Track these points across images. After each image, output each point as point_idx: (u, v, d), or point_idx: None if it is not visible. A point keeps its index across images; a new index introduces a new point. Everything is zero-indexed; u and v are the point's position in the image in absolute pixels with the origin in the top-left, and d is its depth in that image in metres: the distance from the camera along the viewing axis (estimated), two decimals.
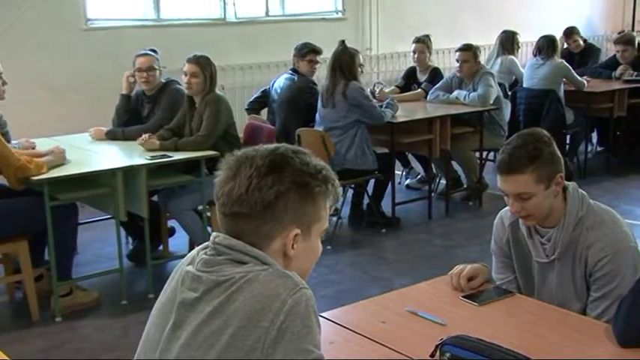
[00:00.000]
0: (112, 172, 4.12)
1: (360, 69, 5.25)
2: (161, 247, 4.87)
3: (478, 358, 1.75)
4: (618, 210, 2.43)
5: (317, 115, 5.32)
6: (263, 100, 5.92)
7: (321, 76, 5.44)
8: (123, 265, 4.31)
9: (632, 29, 9.98)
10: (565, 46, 7.78)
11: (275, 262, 1.50)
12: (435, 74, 6.34)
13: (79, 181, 4.08)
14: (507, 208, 2.35)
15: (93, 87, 6.25)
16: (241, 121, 5.61)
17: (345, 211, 5.57)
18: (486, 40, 7.72)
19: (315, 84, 5.62)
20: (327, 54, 5.35)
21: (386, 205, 5.58)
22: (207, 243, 1.58)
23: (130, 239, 5.02)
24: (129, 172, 4.15)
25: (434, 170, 6.20)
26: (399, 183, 6.39)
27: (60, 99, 6.21)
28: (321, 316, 2.14)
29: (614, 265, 2.20)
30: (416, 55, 6.35)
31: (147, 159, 4.26)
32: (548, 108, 6.28)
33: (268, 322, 1.40)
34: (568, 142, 6.75)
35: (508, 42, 7.03)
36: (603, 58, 8.00)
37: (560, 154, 2.27)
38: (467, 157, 6.04)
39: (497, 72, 6.68)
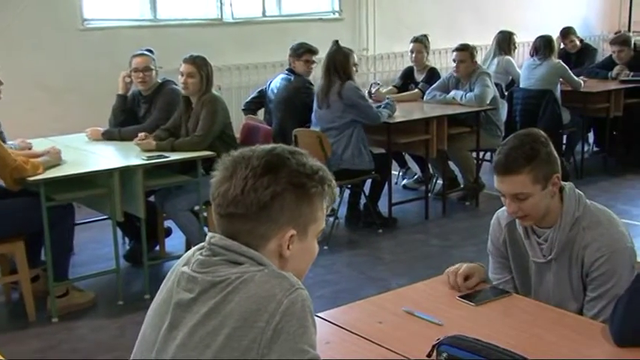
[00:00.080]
0: (108, 173, 4.12)
1: (354, 68, 5.25)
2: (158, 248, 4.87)
3: (475, 358, 1.75)
4: (615, 210, 2.43)
5: (313, 116, 5.32)
6: (260, 101, 5.92)
7: (317, 76, 5.43)
8: (119, 266, 4.30)
9: (629, 29, 9.99)
10: (562, 46, 7.79)
11: (271, 263, 1.50)
12: (432, 74, 6.35)
13: (75, 182, 4.07)
14: (504, 208, 2.35)
15: (89, 87, 6.24)
16: (238, 121, 5.60)
17: (342, 212, 5.57)
18: (483, 41, 7.73)
19: (311, 84, 5.62)
20: (324, 54, 5.34)
21: (383, 206, 5.58)
22: (202, 243, 1.58)
23: (127, 240, 5.02)
24: (125, 172, 4.15)
25: (431, 170, 6.20)
26: (396, 183, 6.39)
27: (56, 99, 6.20)
28: (318, 316, 2.14)
29: (611, 265, 2.20)
30: (413, 55, 6.35)
31: (143, 159, 4.26)
32: (544, 108, 6.29)
33: (264, 323, 1.40)
34: (565, 142, 6.76)
35: (505, 42, 7.03)
36: (600, 58, 8.01)
37: (556, 155, 2.28)
38: (464, 157, 6.04)
39: (494, 72, 6.68)
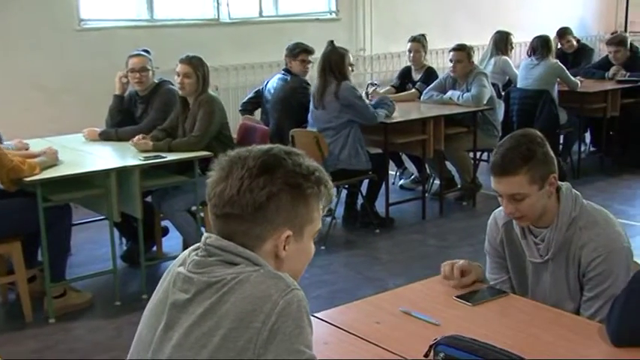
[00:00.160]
0: (105, 173, 4.11)
1: (350, 68, 5.25)
2: (155, 248, 4.86)
3: (472, 358, 1.75)
4: (611, 210, 2.43)
5: (309, 116, 5.32)
6: (257, 101, 5.91)
7: (314, 76, 5.43)
8: (116, 266, 4.30)
9: (625, 30, 10.01)
10: (558, 46, 7.79)
11: (267, 264, 1.50)
12: (430, 74, 6.35)
13: (72, 182, 4.07)
14: (501, 208, 2.35)
15: (86, 87, 6.23)
16: (235, 121, 5.61)
17: (339, 212, 5.57)
18: (480, 41, 7.73)
19: (308, 84, 5.61)
20: (321, 54, 5.34)
21: (380, 206, 5.58)
22: (198, 244, 1.58)
23: (124, 240, 5.01)
24: (122, 172, 4.14)
25: (428, 170, 6.20)
26: (393, 183, 6.40)
27: (53, 99, 6.19)
28: (315, 316, 2.15)
29: (607, 265, 2.20)
30: (411, 54, 6.35)
31: (140, 160, 4.25)
32: (541, 108, 6.30)
33: (260, 323, 1.40)
34: (561, 142, 6.77)
35: (502, 42, 7.04)
36: (596, 58, 8.02)
37: (553, 155, 2.28)
38: (461, 157, 6.05)
39: (491, 72, 6.69)
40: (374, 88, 6.22)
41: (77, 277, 4.32)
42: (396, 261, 4.93)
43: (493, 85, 6.26)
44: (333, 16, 8.04)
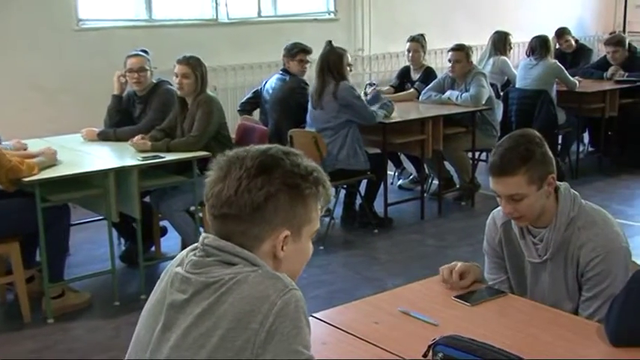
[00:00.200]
0: (104, 173, 4.11)
1: (348, 68, 5.25)
2: (153, 248, 4.86)
3: (470, 358, 1.75)
4: (610, 210, 2.44)
5: (308, 117, 5.32)
6: (255, 101, 5.91)
7: (312, 76, 5.43)
8: (115, 267, 4.29)
9: (623, 30, 10.01)
10: (557, 46, 7.80)
11: (265, 264, 1.49)
12: (428, 74, 6.35)
13: (70, 182, 4.07)
14: (500, 208, 2.35)
15: (84, 87, 6.23)
16: (233, 121, 5.60)
17: (338, 212, 5.57)
18: (478, 41, 7.73)
19: (306, 84, 5.61)
20: (319, 55, 5.34)
21: (378, 206, 5.58)
22: (196, 244, 1.58)
23: (122, 240, 5.01)
24: (121, 172, 4.14)
25: (426, 170, 6.20)
26: (392, 183, 6.40)
27: (51, 100, 6.19)
28: (314, 316, 2.15)
29: (606, 265, 2.20)
30: (410, 54, 6.35)
31: (139, 160, 4.25)
32: (540, 108, 6.30)
33: (258, 324, 1.40)
34: (560, 142, 6.77)
35: (500, 42, 7.04)
36: (595, 58, 8.02)
37: (551, 155, 2.28)
38: (459, 157, 6.05)
39: (490, 72, 6.69)
40: (372, 88, 6.22)
41: (76, 278, 4.32)
42: (394, 261, 4.93)
43: (492, 85, 6.26)
44: (332, 16, 8.04)
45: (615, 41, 7.19)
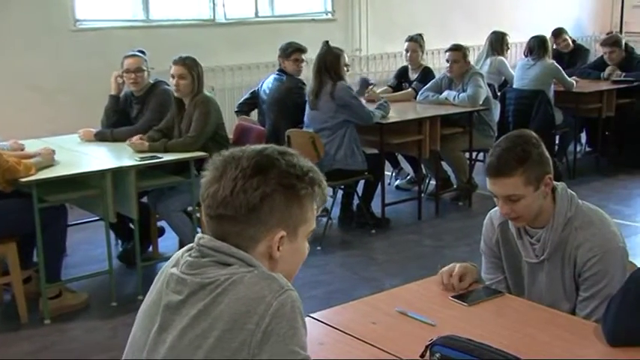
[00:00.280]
0: (101, 174, 4.11)
1: (345, 69, 5.25)
2: (151, 249, 4.86)
3: (468, 359, 1.75)
4: (607, 210, 2.44)
5: (305, 117, 5.32)
6: (252, 102, 5.91)
7: (310, 76, 5.43)
8: (112, 267, 4.29)
9: (620, 30, 10.03)
10: (554, 46, 7.81)
11: (260, 264, 1.49)
12: (426, 73, 6.35)
13: (68, 183, 4.06)
14: (497, 208, 2.36)
15: (82, 88, 6.22)
16: (231, 122, 5.60)
17: (335, 212, 5.56)
18: (476, 41, 7.74)
19: (304, 84, 5.62)
20: (316, 55, 5.33)
21: (376, 206, 5.58)
22: (191, 244, 1.57)
23: (119, 241, 5.00)
24: (118, 173, 4.14)
25: (423, 171, 6.20)
26: (389, 184, 6.40)
27: (48, 100, 6.18)
28: (311, 316, 2.15)
29: (603, 265, 2.21)
30: (408, 54, 6.36)
31: (136, 160, 4.25)
32: (537, 108, 6.31)
33: (254, 325, 1.39)
34: (557, 142, 6.78)
35: (498, 43, 7.05)
36: (592, 58, 8.03)
37: (548, 155, 2.28)
38: (456, 157, 6.05)
39: (487, 72, 6.70)
40: (371, 87, 6.23)
41: (73, 278, 4.31)
42: (392, 261, 4.93)
43: (489, 85, 6.27)
44: (329, 16, 8.04)
45: (611, 42, 7.20)
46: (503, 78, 7.05)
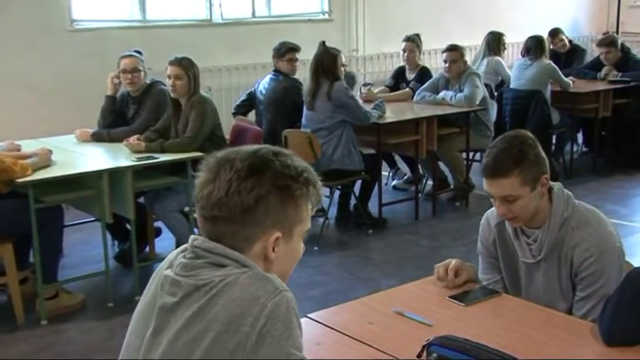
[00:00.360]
0: (97, 174, 4.10)
1: (342, 69, 5.25)
2: (147, 249, 4.86)
3: (465, 359, 1.76)
4: (603, 210, 2.44)
5: (303, 118, 5.32)
6: (250, 103, 5.90)
7: (306, 76, 5.43)
8: (109, 268, 4.28)
9: (617, 31, 10.05)
10: (550, 46, 7.81)
11: (255, 265, 1.48)
12: (424, 73, 6.36)
13: (64, 183, 4.05)
14: (494, 208, 2.36)
15: (78, 88, 6.22)
16: (228, 122, 5.59)
17: (332, 212, 5.56)
18: (472, 41, 7.75)
19: (300, 83, 5.62)
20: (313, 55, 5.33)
21: (373, 206, 5.58)
22: (185, 245, 1.56)
23: (116, 242, 4.99)
24: (115, 173, 4.13)
25: (420, 171, 6.21)
26: (386, 184, 6.40)
27: (45, 100, 6.17)
28: (308, 317, 2.15)
29: (600, 265, 2.21)
30: (405, 54, 6.36)
31: (133, 160, 4.24)
32: (534, 109, 6.31)
33: (249, 327, 1.38)
34: (554, 142, 6.78)
35: (494, 43, 7.05)
36: (589, 58, 8.04)
37: (544, 156, 2.28)
38: (453, 157, 6.05)
39: (484, 73, 6.70)
40: (368, 87, 6.23)
41: (69, 279, 4.31)
42: (388, 261, 4.93)
43: (486, 85, 6.27)
44: (326, 16, 8.05)
45: (608, 42, 7.21)
46: (500, 78, 7.05)
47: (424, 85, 6.13)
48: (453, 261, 2.38)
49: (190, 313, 1.44)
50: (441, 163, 6.17)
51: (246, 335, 1.38)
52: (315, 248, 5.01)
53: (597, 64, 7.33)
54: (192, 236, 1.55)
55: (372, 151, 5.56)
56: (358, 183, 5.48)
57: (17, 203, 3.92)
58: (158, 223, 4.87)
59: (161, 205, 4.51)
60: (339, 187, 5.44)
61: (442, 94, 5.96)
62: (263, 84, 5.73)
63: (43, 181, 3.91)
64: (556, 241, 2.27)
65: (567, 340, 2.01)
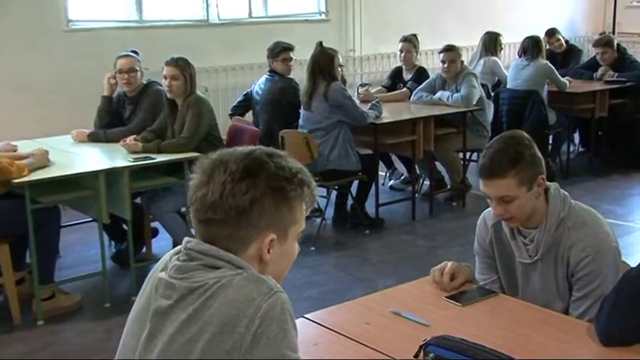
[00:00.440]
0: (94, 175, 4.09)
1: (339, 69, 5.25)
2: (144, 250, 4.85)
3: (462, 359, 1.76)
4: (600, 210, 2.44)
5: (300, 118, 5.32)
6: (246, 104, 5.91)
7: (303, 76, 5.43)
8: (106, 268, 4.28)
9: (613, 31, 10.06)
10: (547, 46, 7.82)
11: (249, 266, 1.48)
12: (421, 73, 6.36)
13: (61, 184, 4.05)
14: (490, 208, 2.36)
15: (74, 88, 6.21)
16: (224, 122, 5.59)
17: (329, 213, 5.56)
18: (469, 41, 7.76)
19: (297, 84, 5.62)
20: (310, 55, 5.33)
21: (370, 206, 5.58)
22: (179, 247, 1.56)
23: (113, 242, 4.98)
24: (111, 174, 4.13)
25: (417, 171, 6.21)
26: (383, 184, 6.40)
27: (41, 101, 6.16)
28: (305, 317, 2.15)
29: (596, 265, 2.21)
30: (402, 54, 6.36)
31: (129, 161, 4.24)
32: (530, 109, 6.32)
33: (243, 329, 1.38)
34: (551, 142, 6.79)
35: (491, 43, 7.06)
36: (585, 59, 8.06)
37: (540, 156, 2.28)
38: (450, 157, 6.06)
39: (480, 73, 6.71)
40: (365, 88, 6.23)
41: (66, 279, 4.30)
42: (385, 262, 4.93)
43: (482, 85, 6.28)
44: (323, 17, 8.05)
45: (604, 42, 7.22)
46: (496, 78, 7.06)
47: (421, 86, 6.13)
48: (449, 264, 2.37)
49: (185, 316, 1.44)
50: (437, 164, 6.18)
51: (241, 337, 1.38)
52: (312, 248, 5.01)
53: (593, 65, 7.34)
54: (185, 238, 1.55)
55: (369, 152, 5.56)
56: (355, 183, 5.48)
57: (14, 204, 3.91)
58: (155, 224, 4.87)
59: (158, 206, 4.51)
60: (336, 187, 5.43)
61: (439, 94, 5.96)
62: (259, 84, 5.73)
63: (39, 182, 3.91)
64: (552, 241, 2.28)
65: (564, 340, 2.01)
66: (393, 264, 4.85)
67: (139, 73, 4.77)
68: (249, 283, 1.43)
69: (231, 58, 7.17)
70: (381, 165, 6.15)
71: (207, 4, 7.15)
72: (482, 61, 7.02)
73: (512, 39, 8.02)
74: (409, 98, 6.20)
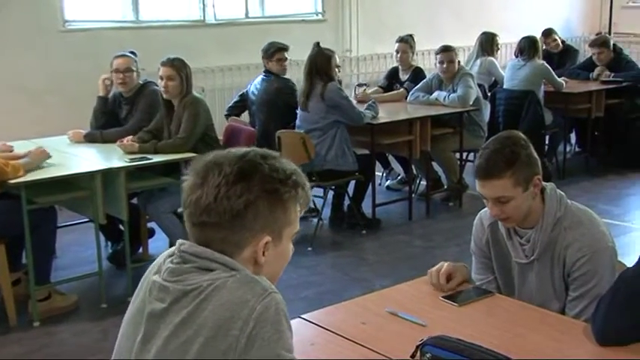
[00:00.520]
0: (90, 175, 4.09)
1: (336, 70, 5.25)
2: (141, 250, 4.84)
3: (458, 359, 1.76)
4: (596, 210, 2.44)
5: (297, 118, 5.32)
6: (242, 105, 5.90)
7: (299, 77, 5.43)
8: (102, 269, 4.27)
9: (609, 31, 10.08)
10: (543, 46, 7.83)
11: (243, 268, 1.47)
12: (417, 74, 6.37)
13: (57, 184, 4.04)
14: (487, 208, 2.36)
15: (71, 89, 6.20)
16: (221, 123, 5.58)
17: (326, 213, 5.56)
18: (465, 42, 7.76)
19: (293, 84, 5.62)
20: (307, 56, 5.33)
21: (366, 207, 5.58)
22: (173, 249, 1.55)
23: (109, 243, 4.98)
24: (108, 174, 4.12)
25: (414, 171, 6.21)
26: (380, 184, 6.40)
27: (37, 101, 6.15)
28: (302, 317, 2.15)
29: (592, 265, 2.21)
30: (399, 55, 6.37)
31: (126, 161, 4.23)
32: (527, 109, 6.33)
33: (238, 331, 1.38)
34: (547, 142, 6.80)
35: (488, 43, 7.06)
36: (581, 59, 8.07)
37: (537, 156, 2.28)
38: (447, 157, 6.06)
39: (477, 73, 6.71)
40: (362, 88, 6.23)
41: (62, 280, 4.29)
42: (382, 262, 4.93)
43: (479, 85, 6.28)
44: (320, 17, 8.05)
45: (600, 43, 7.23)
46: (493, 78, 7.06)
47: (418, 86, 6.14)
48: (445, 265, 2.37)
49: (179, 319, 1.43)
50: (434, 164, 6.18)
51: (236, 339, 1.38)
52: (309, 249, 5.01)
53: (590, 65, 7.35)
54: (179, 240, 1.54)
55: (366, 152, 5.56)
56: (352, 183, 5.48)
57: (10, 204, 3.90)
58: (151, 224, 4.86)
59: (154, 206, 4.50)
60: (333, 187, 5.43)
61: (435, 94, 5.97)
62: (255, 85, 5.73)
63: (35, 182, 3.90)
64: (549, 241, 2.28)
65: (560, 339, 2.02)
66: (390, 264, 4.85)
67: (134, 74, 4.77)
68: (243, 285, 1.42)
69: (228, 59, 7.17)
70: (378, 165, 6.15)
71: (204, 5, 7.15)
72: (478, 62, 7.03)
73: (508, 39, 8.03)
74: (405, 99, 6.20)
